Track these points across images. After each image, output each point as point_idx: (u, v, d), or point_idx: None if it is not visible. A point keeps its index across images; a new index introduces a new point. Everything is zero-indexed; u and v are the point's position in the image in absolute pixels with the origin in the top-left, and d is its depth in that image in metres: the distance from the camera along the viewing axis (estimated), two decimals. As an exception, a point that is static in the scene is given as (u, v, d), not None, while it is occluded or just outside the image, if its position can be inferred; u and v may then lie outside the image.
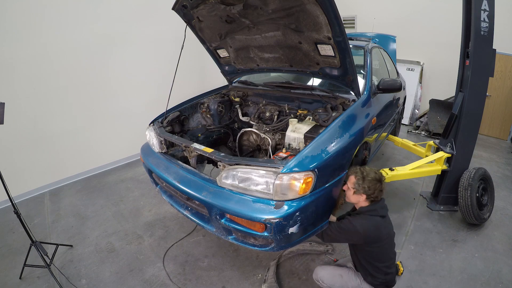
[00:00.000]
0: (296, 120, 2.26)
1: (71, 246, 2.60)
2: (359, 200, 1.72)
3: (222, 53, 2.69)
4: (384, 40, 4.21)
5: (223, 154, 1.85)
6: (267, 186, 1.63)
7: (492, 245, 2.55)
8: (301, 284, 2.14)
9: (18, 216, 2.11)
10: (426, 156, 3.12)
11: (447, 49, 3.81)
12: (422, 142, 3.54)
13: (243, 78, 3.01)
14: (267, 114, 2.60)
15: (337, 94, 2.28)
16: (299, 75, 2.68)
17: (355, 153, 2.09)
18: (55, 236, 2.76)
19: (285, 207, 1.56)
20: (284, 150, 2.06)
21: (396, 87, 2.34)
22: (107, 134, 3.96)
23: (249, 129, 2.52)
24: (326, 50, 1.97)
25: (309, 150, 1.69)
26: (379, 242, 1.64)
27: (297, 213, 1.57)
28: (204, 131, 2.81)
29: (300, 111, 2.37)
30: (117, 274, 2.30)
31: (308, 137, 2.00)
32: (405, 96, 4.53)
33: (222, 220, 1.73)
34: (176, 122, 2.61)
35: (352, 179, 1.72)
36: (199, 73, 4.79)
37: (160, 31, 4.09)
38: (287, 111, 2.48)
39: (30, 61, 3.15)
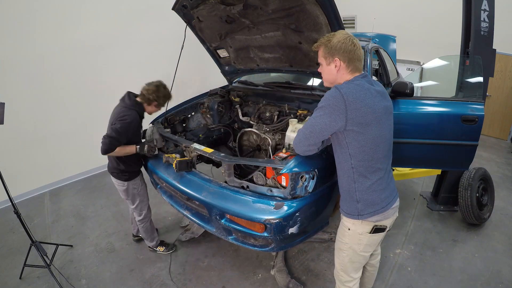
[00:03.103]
0: (296, 120, 2.25)
1: (71, 246, 2.60)
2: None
3: (222, 53, 2.68)
4: (384, 40, 4.21)
5: (223, 154, 1.85)
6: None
7: (492, 245, 2.55)
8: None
9: (18, 216, 2.12)
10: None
11: (447, 49, 3.80)
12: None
13: (243, 78, 3.01)
14: (267, 114, 2.60)
15: (337, 94, 2.28)
16: (299, 75, 2.68)
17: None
18: (55, 236, 2.76)
19: (285, 208, 1.56)
20: (284, 150, 2.05)
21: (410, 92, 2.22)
22: (107, 134, 3.95)
23: (249, 129, 2.52)
24: (326, 50, 1.96)
25: (309, 150, 1.69)
26: None
27: (297, 214, 1.57)
28: (205, 131, 2.81)
29: (300, 111, 2.37)
30: (117, 274, 2.30)
31: (308, 137, 1.99)
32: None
33: (222, 221, 1.73)
34: (176, 122, 2.61)
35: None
36: (199, 73, 4.78)
37: (160, 31, 4.09)
38: (287, 111, 2.48)
39: (30, 61, 3.15)
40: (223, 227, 1.77)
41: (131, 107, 2.03)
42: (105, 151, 1.90)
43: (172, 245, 2.51)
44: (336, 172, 1.84)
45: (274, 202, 1.59)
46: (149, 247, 2.50)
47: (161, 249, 2.48)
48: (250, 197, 1.66)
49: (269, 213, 1.55)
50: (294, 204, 1.58)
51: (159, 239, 2.51)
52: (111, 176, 2.20)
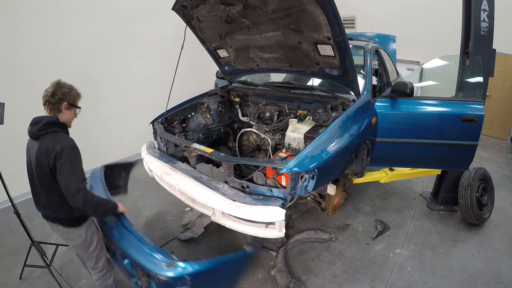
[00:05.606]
0: (296, 120, 2.26)
1: (71, 246, 2.60)
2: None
3: (222, 53, 2.68)
4: (384, 40, 4.21)
5: (223, 154, 1.85)
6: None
7: (492, 245, 2.55)
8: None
9: (18, 216, 2.12)
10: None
11: (447, 49, 3.81)
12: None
13: (243, 78, 3.01)
14: (267, 114, 2.60)
15: (337, 94, 2.28)
16: (299, 75, 2.68)
17: (355, 153, 2.10)
18: (55, 236, 2.76)
19: (178, 269, 1.37)
20: (284, 150, 2.06)
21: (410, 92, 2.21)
22: (107, 135, 3.95)
23: (249, 129, 2.52)
24: (326, 50, 1.96)
25: (309, 150, 1.69)
26: None
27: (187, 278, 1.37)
28: (205, 131, 2.81)
29: (300, 111, 2.37)
30: (116, 274, 2.29)
31: (308, 137, 2.00)
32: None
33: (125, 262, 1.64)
34: (176, 122, 2.61)
35: None
36: (199, 73, 4.78)
37: (160, 31, 4.09)
38: (287, 111, 2.48)
39: (30, 61, 3.15)
40: (126, 270, 1.67)
41: (54, 130, 1.57)
42: (84, 198, 1.43)
43: None
44: (336, 172, 1.85)
45: (167, 260, 1.41)
46: None
47: None
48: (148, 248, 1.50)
49: (160, 268, 1.38)
50: (187, 268, 1.37)
51: None
52: (58, 227, 1.61)
